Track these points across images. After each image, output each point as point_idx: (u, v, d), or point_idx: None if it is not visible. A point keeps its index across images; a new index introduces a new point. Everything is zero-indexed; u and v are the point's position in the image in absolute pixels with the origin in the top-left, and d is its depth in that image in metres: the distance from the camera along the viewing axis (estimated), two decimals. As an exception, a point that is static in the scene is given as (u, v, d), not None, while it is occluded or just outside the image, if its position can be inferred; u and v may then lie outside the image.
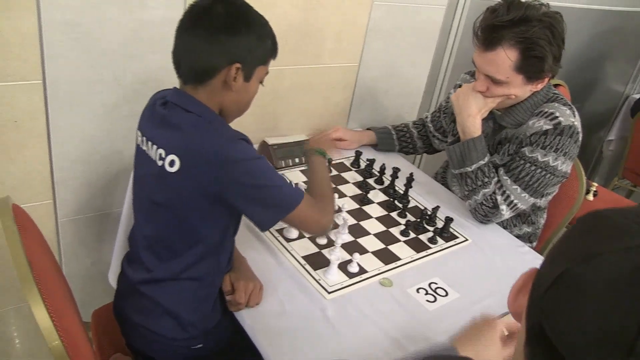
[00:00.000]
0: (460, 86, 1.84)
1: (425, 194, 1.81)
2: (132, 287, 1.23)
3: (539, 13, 1.47)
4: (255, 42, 1.12)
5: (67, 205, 1.65)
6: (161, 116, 1.14)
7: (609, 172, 3.86)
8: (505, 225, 1.79)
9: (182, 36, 1.12)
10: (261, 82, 1.19)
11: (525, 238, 1.86)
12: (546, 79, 1.57)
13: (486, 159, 1.64)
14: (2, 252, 1.24)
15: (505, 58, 1.48)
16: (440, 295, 1.37)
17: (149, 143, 1.14)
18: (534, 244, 1.93)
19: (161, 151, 1.10)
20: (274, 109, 1.95)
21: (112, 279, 1.68)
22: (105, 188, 1.69)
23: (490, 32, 1.49)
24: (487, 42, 1.50)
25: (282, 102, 1.94)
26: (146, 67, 1.57)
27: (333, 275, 1.35)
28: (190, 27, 1.11)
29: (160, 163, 1.10)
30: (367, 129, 2.06)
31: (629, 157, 3.28)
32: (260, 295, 1.24)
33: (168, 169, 1.08)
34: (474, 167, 1.64)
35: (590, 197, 2.71)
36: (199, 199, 1.09)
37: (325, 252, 1.43)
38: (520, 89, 1.56)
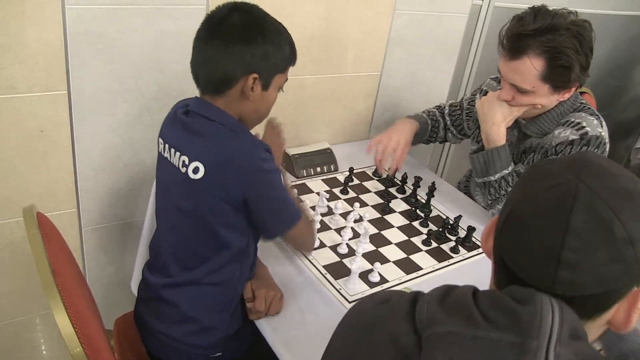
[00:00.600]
0: (485, 92, 1.82)
1: (447, 203, 1.79)
2: (153, 293, 1.24)
3: (566, 21, 1.43)
4: (272, 51, 1.12)
5: (90, 214, 1.67)
6: (183, 124, 1.15)
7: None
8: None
9: (199, 47, 1.13)
10: (280, 88, 1.20)
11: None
12: (573, 89, 1.54)
13: (510, 169, 1.62)
14: (28, 260, 1.26)
15: (531, 67, 1.46)
16: (463, 306, 1.35)
17: (172, 150, 1.15)
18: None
19: (184, 158, 1.11)
20: (295, 119, 1.95)
21: (135, 287, 1.69)
22: (128, 197, 1.71)
23: (516, 40, 1.46)
24: (513, 51, 1.47)
25: (304, 111, 1.94)
26: (168, 77, 1.59)
27: (354, 285, 1.34)
28: (207, 38, 1.12)
29: (184, 170, 1.11)
30: (407, 118, 1.92)
31: (658, 166, 3.21)
32: (280, 304, 1.23)
33: (192, 175, 1.10)
34: (497, 176, 1.61)
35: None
36: (223, 205, 1.10)
37: (346, 261, 1.42)
38: (546, 99, 1.53)
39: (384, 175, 1.85)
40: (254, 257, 1.28)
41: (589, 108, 1.61)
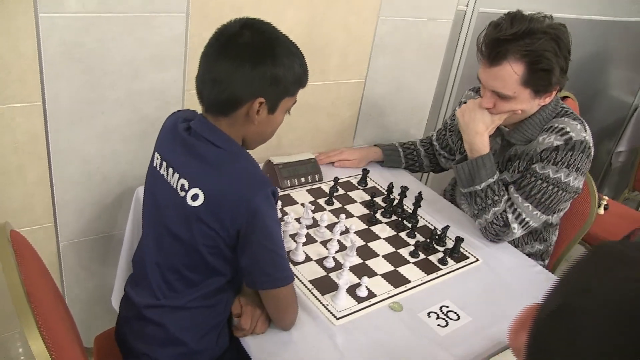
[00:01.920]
0: (465, 103, 1.80)
1: (434, 213, 1.77)
2: (136, 312, 1.19)
3: (543, 25, 1.44)
4: (282, 75, 1.07)
5: (68, 228, 1.61)
6: (184, 143, 1.10)
7: (618, 184, 3.81)
8: (516, 243, 1.75)
9: (206, 64, 1.09)
10: (288, 111, 1.16)
11: (537, 256, 1.82)
12: (554, 92, 1.53)
13: (495, 177, 1.60)
14: (2, 278, 1.21)
15: (511, 72, 1.45)
16: (452, 319, 1.33)
17: (170, 170, 1.11)
18: (546, 261, 1.89)
19: (184, 182, 1.07)
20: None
21: (116, 302, 1.65)
22: (108, 210, 1.66)
23: (494, 46, 1.46)
24: (492, 57, 1.46)
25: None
26: (149, 88, 1.54)
27: (341, 300, 1.31)
28: (215, 55, 1.07)
29: (182, 194, 1.07)
30: (374, 145, 2.03)
31: None
32: (267, 324, 1.19)
33: (190, 202, 1.05)
34: (483, 185, 1.60)
35: (601, 210, 2.66)
36: (216, 237, 1.06)
37: (332, 275, 1.39)
38: (527, 104, 1.52)
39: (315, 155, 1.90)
40: (241, 284, 1.24)
41: (572, 113, 1.60)
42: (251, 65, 1.03)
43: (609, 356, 0.46)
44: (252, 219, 1.04)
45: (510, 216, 1.59)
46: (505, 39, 1.42)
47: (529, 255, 1.73)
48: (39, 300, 1.02)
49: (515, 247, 1.71)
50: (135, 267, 1.27)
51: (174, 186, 1.09)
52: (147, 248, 1.22)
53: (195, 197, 1.05)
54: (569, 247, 2.01)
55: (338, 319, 1.26)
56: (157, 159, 1.16)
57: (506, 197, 1.61)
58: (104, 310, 1.77)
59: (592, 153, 1.56)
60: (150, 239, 1.21)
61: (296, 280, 1.35)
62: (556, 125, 1.55)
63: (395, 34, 1.98)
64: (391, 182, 1.78)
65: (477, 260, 1.57)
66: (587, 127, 1.56)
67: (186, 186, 1.07)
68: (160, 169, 1.15)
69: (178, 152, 1.12)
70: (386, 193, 1.79)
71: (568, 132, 1.52)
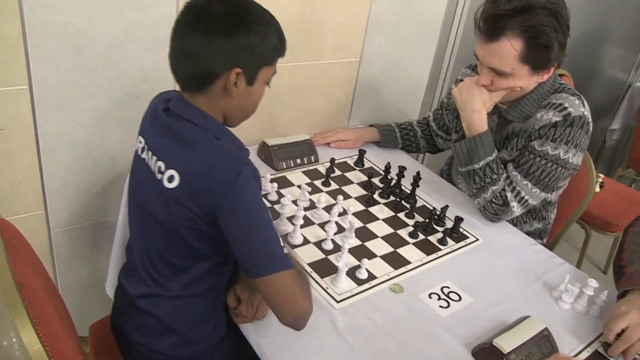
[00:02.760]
0: (461, 81, 1.77)
1: (432, 193, 1.75)
2: (130, 303, 1.16)
3: (542, 0, 1.40)
4: (257, 43, 1.02)
5: (59, 215, 1.58)
6: (164, 124, 1.06)
7: (611, 162, 3.81)
8: (515, 222, 1.73)
9: (177, 39, 1.04)
10: (267, 83, 1.11)
11: (535, 234, 1.80)
12: (552, 69, 1.50)
13: (494, 155, 1.58)
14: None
15: (510, 48, 1.42)
16: (454, 300, 1.31)
17: (149, 153, 1.07)
18: (545, 240, 1.87)
19: (161, 164, 1.03)
20: (272, 109, 1.88)
21: (110, 290, 1.62)
22: (100, 196, 1.62)
23: (492, 22, 1.42)
24: (490, 33, 1.43)
25: (281, 101, 1.87)
26: (140, 69, 1.50)
27: (342, 283, 1.29)
28: (186, 29, 1.02)
29: (159, 177, 1.03)
30: (370, 125, 2.00)
31: (634, 146, 3.21)
32: (266, 308, 1.17)
33: (166, 184, 1.01)
34: (481, 163, 1.57)
35: (597, 188, 2.64)
36: (196, 219, 1.02)
37: (331, 257, 1.37)
38: (525, 81, 1.49)
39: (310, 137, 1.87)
40: (235, 268, 1.20)
41: (569, 88, 1.58)
42: (224, 35, 0.99)
43: None
44: (230, 199, 0.97)
45: (509, 195, 1.57)
46: (503, 14, 1.39)
47: (528, 234, 1.71)
48: (31, 290, 0.99)
49: (514, 225, 1.70)
50: (127, 256, 1.24)
51: (153, 169, 1.06)
52: (133, 235, 1.19)
53: (171, 179, 1.01)
54: (567, 226, 2.00)
55: (338, 302, 1.24)
56: (140, 142, 1.12)
57: (505, 175, 1.59)
58: (98, 297, 1.74)
59: (591, 129, 1.54)
60: (135, 226, 1.18)
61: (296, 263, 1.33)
62: (554, 101, 1.53)
63: (390, 12, 1.94)
64: (388, 163, 1.75)
65: (477, 239, 1.55)
66: (586, 103, 1.54)
67: (162, 168, 1.03)
68: (142, 153, 1.11)
69: (157, 134, 1.08)
70: (383, 173, 1.77)
71: (566, 107, 1.50)
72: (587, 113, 1.52)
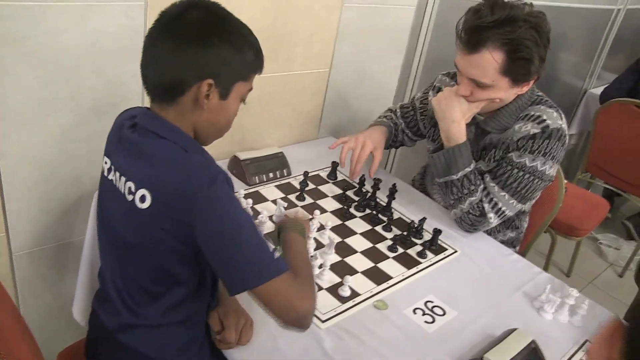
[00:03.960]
0: (438, 88, 1.77)
1: (407, 204, 1.73)
2: (107, 334, 1.09)
3: (523, 13, 1.41)
4: (231, 54, 0.98)
5: (22, 237, 1.49)
6: (130, 142, 1.00)
7: (568, 166, 3.90)
8: (489, 231, 1.73)
9: (149, 47, 0.99)
10: (243, 100, 1.06)
11: (509, 243, 1.81)
12: (532, 82, 1.51)
13: (472, 166, 1.57)
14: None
15: (490, 60, 1.41)
16: (438, 315, 1.30)
17: (117, 174, 1.01)
18: (517, 248, 1.89)
19: (130, 184, 0.97)
20: (241, 121, 1.82)
21: (77, 313, 1.54)
22: (65, 216, 1.54)
23: (474, 33, 1.42)
24: (472, 44, 1.43)
25: (250, 113, 1.82)
26: (107, 83, 1.43)
27: (325, 301, 1.25)
28: (158, 37, 0.97)
29: (130, 198, 0.97)
30: (371, 125, 1.88)
31: (592, 151, 3.30)
32: (251, 331, 1.12)
33: (139, 204, 0.95)
34: (460, 174, 1.57)
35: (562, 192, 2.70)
36: (172, 240, 0.96)
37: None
38: (505, 93, 1.49)
39: (355, 180, 1.75)
40: (217, 284, 1.15)
41: (547, 100, 1.59)
42: (196, 43, 0.94)
43: None
44: (209, 212, 0.91)
45: (486, 205, 1.57)
46: (485, 26, 1.38)
47: (502, 242, 1.72)
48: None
49: (488, 235, 1.70)
50: (100, 282, 1.17)
51: (122, 191, 0.99)
52: (105, 261, 1.13)
53: (143, 199, 0.95)
54: (538, 233, 2.02)
55: (323, 321, 1.20)
56: (106, 163, 1.06)
57: (482, 186, 1.59)
58: (65, 322, 1.65)
59: (567, 141, 1.55)
60: (106, 252, 1.12)
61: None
62: (532, 113, 1.54)
63: (360, 21, 1.93)
64: (363, 175, 1.73)
65: (456, 251, 1.55)
66: (563, 116, 1.55)
67: (133, 189, 0.97)
68: (109, 174, 1.04)
69: (123, 153, 1.02)
70: (357, 186, 1.74)
71: (545, 120, 1.51)
72: (565, 126, 1.53)
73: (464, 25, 1.44)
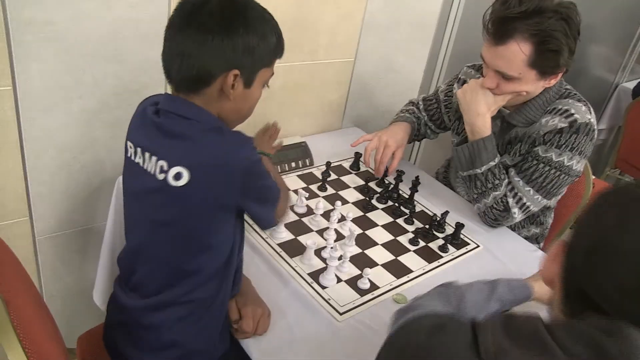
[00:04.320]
0: (463, 81, 1.73)
1: (429, 197, 1.70)
2: (129, 317, 1.10)
3: (553, 4, 1.37)
4: (256, 43, 0.97)
5: (45, 222, 1.50)
6: (157, 125, 1.00)
7: (597, 162, 3.81)
8: (513, 227, 1.69)
9: (171, 38, 0.98)
10: (265, 85, 1.06)
11: (533, 239, 1.78)
12: (560, 74, 1.47)
13: (497, 160, 1.54)
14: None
15: (518, 52, 1.38)
16: (458, 310, 1.27)
17: (146, 154, 1.01)
18: (541, 244, 1.85)
19: (162, 163, 0.97)
20: (264, 110, 1.79)
21: (97, 297, 1.56)
22: (87, 201, 1.55)
23: (501, 24, 1.38)
24: (499, 36, 1.39)
25: (274, 102, 1.81)
26: (128, 69, 1.43)
27: (344, 293, 1.24)
28: (181, 27, 0.96)
29: (161, 177, 0.97)
30: (394, 121, 1.85)
31: (622, 147, 3.22)
32: (268, 322, 1.12)
33: (172, 182, 0.95)
34: (483, 168, 1.53)
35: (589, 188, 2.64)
36: (211, 210, 0.98)
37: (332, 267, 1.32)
38: (532, 85, 1.45)
39: (379, 177, 1.73)
40: (240, 268, 1.15)
41: (575, 94, 1.55)
42: (222, 34, 0.94)
43: None
44: (246, 179, 0.97)
45: (510, 200, 1.53)
46: (513, 17, 1.34)
47: (526, 238, 1.68)
48: (18, 307, 0.93)
49: (512, 230, 1.66)
50: (122, 267, 1.18)
51: (152, 171, 0.99)
52: (132, 245, 1.13)
53: (178, 176, 0.95)
54: (563, 230, 1.98)
55: (341, 314, 1.19)
56: (130, 147, 1.06)
57: (507, 180, 1.55)
58: (85, 306, 1.67)
59: (596, 136, 1.51)
60: (135, 236, 1.12)
61: (295, 273, 1.28)
62: (560, 107, 1.50)
63: (386, 11, 1.90)
64: (386, 167, 1.71)
65: (478, 246, 1.52)
66: (592, 109, 1.51)
67: (165, 167, 0.97)
68: (135, 157, 1.04)
69: (151, 135, 1.02)
70: (380, 177, 1.72)
71: (573, 114, 1.47)
72: (593, 120, 1.49)
73: (491, 16, 1.40)
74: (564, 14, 1.36)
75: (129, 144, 1.06)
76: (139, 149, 1.03)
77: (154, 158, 0.99)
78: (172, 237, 1.02)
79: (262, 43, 0.99)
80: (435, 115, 1.83)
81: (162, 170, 0.97)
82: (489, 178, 1.54)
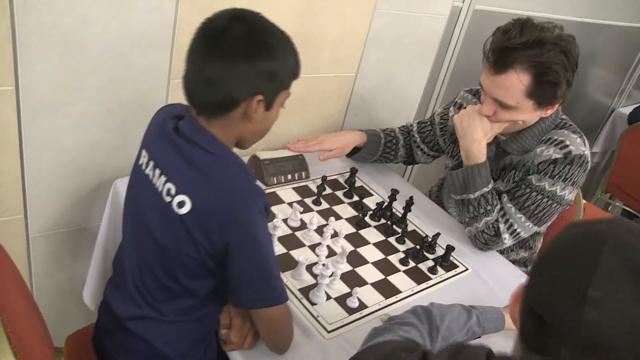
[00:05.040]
0: (460, 105, 1.75)
1: (422, 216, 1.72)
2: (118, 324, 1.11)
3: (553, 36, 1.39)
4: (278, 68, 0.99)
5: (39, 220, 1.51)
6: (173, 144, 1.02)
7: (589, 185, 3.85)
8: (502, 250, 1.71)
9: (196, 63, 0.99)
10: (282, 105, 1.08)
11: (521, 263, 1.80)
12: (557, 105, 1.49)
13: (490, 186, 1.56)
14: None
15: (517, 82, 1.40)
16: (444, 334, 1.29)
17: (157, 171, 1.02)
18: (529, 268, 1.87)
19: (170, 186, 0.99)
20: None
21: (88, 298, 1.56)
22: (83, 202, 1.56)
23: (502, 54, 1.40)
24: (499, 65, 1.41)
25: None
26: (132, 75, 1.44)
27: (333, 311, 1.26)
28: (205, 53, 0.97)
29: (167, 199, 0.99)
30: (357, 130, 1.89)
31: (614, 171, 3.25)
32: (256, 339, 1.13)
33: (176, 209, 0.97)
34: (477, 194, 1.55)
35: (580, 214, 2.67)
36: (200, 249, 0.98)
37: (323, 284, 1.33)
38: (528, 115, 1.47)
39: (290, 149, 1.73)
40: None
41: (571, 125, 1.57)
42: (246, 61, 0.96)
43: (568, 280, 0.66)
44: (243, 233, 0.97)
45: (502, 226, 1.55)
46: (513, 47, 1.36)
47: (514, 262, 1.71)
48: (12, 312, 0.94)
49: (501, 253, 1.68)
50: (115, 270, 1.19)
51: (159, 189, 1.01)
52: (126, 251, 1.14)
53: (181, 205, 0.97)
54: (551, 254, 2.00)
55: (329, 332, 1.21)
56: (144, 157, 1.07)
57: (499, 206, 1.57)
58: (74, 305, 1.68)
59: (589, 167, 1.53)
60: (130, 242, 1.13)
61: (287, 289, 1.29)
62: (555, 137, 1.52)
63: (390, 28, 1.92)
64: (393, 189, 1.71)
65: (467, 269, 1.54)
66: (587, 141, 1.53)
67: (173, 191, 0.99)
68: (146, 168, 1.06)
69: (167, 153, 1.03)
70: (374, 194, 1.74)
71: (568, 145, 1.49)
72: (588, 152, 1.51)
73: (491, 45, 1.42)
74: (564, 47, 1.38)
75: (144, 152, 1.08)
76: (151, 162, 1.04)
77: (163, 178, 1.00)
78: (164, 258, 1.04)
79: (283, 67, 1.01)
80: (428, 137, 1.86)
81: (169, 194, 0.99)
82: (482, 203, 1.56)
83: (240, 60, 0.95)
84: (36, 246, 1.55)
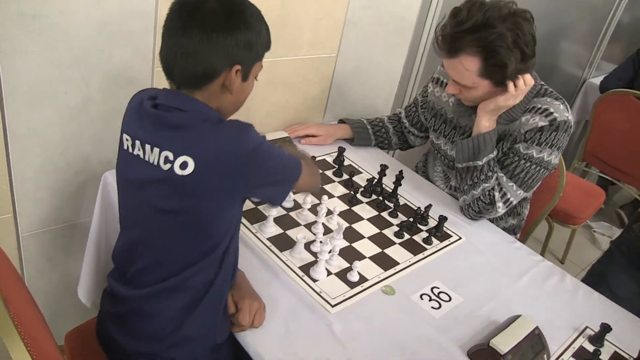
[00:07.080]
0: (439, 80, 1.78)
1: (412, 191, 1.74)
2: (126, 307, 1.11)
3: (501, 14, 1.39)
4: (254, 39, 1.02)
5: (29, 219, 1.49)
6: (157, 117, 1.02)
7: (564, 155, 3.92)
8: (492, 219, 1.74)
9: (172, 38, 1.00)
10: (256, 77, 1.11)
11: (510, 230, 1.83)
12: (528, 76, 1.50)
13: (495, 152, 1.59)
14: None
15: (468, 65, 1.44)
16: (444, 301, 1.32)
17: (147, 146, 1.02)
18: (518, 235, 1.91)
19: (167, 154, 0.99)
20: (247, 105, 1.80)
21: (82, 293, 1.55)
22: (72, 197, 1.54)
23: (450, 40, 1.44)
24: (447, 50, 1.45)
25: (257, 97, 1.81)
26: (116, 65, 1.42)
27: (334, 286, 1.27)
28: (183, 27, 0.98)
29: (166, 167, 0.98)
30: (340, 120, 1.98)
31: (589, 140, 3.32)
32: (264, 315, 1.14)
33: (179, 172, 0.97)
34: (484, 160, 1.57)
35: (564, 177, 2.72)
36: (216, 197, 1.01)
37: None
38: (491, 92, 1.51)
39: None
40: (237, 255, 1.18)
41: (552, 92, 1.60)
42: (225, 32, 0.98)
43: None
44: (253, 163, 1.00)
45: (496, 194, 1.58)
46: (460, 32, 1.40)
47: (504, 229, 1.74)
48: (17, 305, 0.93)
49: (490, 222, 1.71)
50: (119, 261, 1.18)
51: (155, 162, 1.01)
52: (131, 236, 1.13)
53: (184, 166, 0.97)
54: (538, 221, 2.05)
55: (333, 306, 1.22)
56: (127, 140, 1.07)
57: (497, 175, 1.59)
58: (70, 302, 1.66)
59: (572, 130, 1.57)
60: (132, 225, 1.13)
61: (285, 267, 1.30)
62: (539, 105, 1.55)
63: (369, 7, 1.92)
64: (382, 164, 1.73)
65: (460, 238, 1.56)
66: (568, 106, 1.57)
67: (171, 157, 0.99)
68: (133, 150, 1.05)
69: (150, 127, 1.03)
70: (363, 171, 1.75)
71: (552, 112, 1.52)
72: (570, 117, 1.55)
73: (441, 30, 1.45)
74: (511, 24, 1.39)
75: (125, 136, 1.07)
76: (137, 142, 1.03)
77: (156, 149, 1.00)
78: (177, 225, 1.04)
79: (258, 38, 1.04)
80: (414, 119, 1.90)
81: (167, 161, 0.99)
82: (484, 170, 1.57)
83: (219, 32, 0.97)
84: (27, 245, 1.53)
